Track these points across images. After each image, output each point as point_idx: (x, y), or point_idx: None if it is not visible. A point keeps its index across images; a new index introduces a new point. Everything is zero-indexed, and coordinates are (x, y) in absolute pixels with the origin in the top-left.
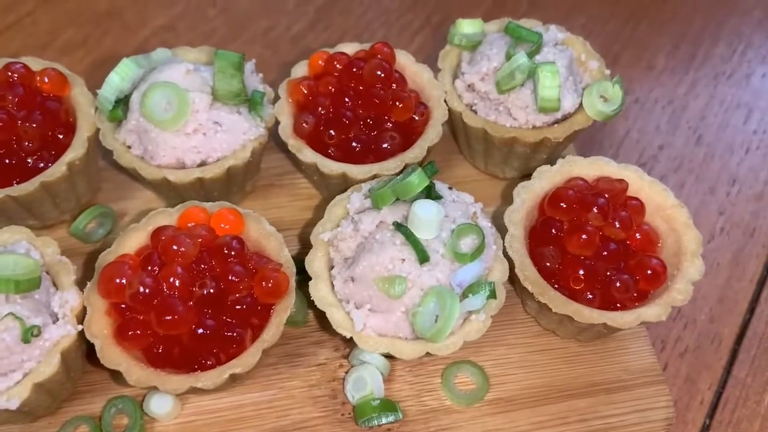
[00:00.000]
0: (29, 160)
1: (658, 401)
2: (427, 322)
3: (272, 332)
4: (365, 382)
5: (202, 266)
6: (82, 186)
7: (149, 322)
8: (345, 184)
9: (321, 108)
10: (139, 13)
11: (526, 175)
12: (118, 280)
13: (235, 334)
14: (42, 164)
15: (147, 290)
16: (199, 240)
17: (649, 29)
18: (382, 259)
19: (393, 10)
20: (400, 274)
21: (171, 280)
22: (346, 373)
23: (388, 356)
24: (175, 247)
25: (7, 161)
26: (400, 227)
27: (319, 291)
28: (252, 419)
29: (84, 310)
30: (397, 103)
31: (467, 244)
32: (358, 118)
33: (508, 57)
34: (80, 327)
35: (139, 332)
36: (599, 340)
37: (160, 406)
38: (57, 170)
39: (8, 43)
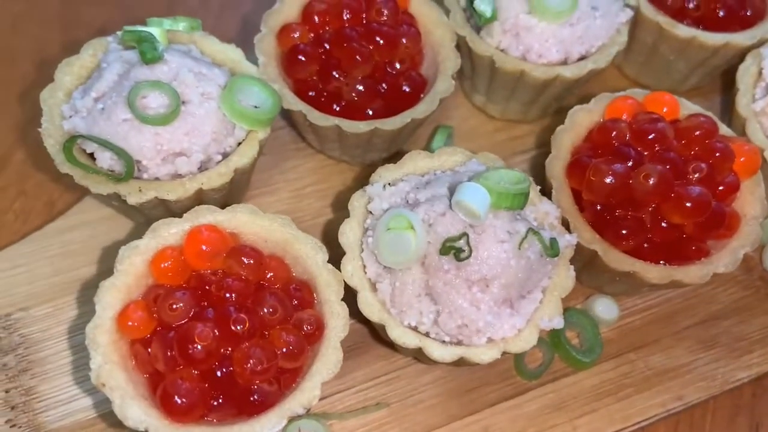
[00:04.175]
0: (402, 83)
1: None
2: None
3: (759, 208)
4: None
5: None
6: None
7: (641, 220)
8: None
9: None
10: None
11: None
12: (611, 180)
13: (731, 217)
14: (407, 87)
15: (659, 184)
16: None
17: None
18: None
19: None
20: None
21: (667, 168)
22: (761, 249)
23: None
24: (651, 135)
25: (385, 85)
26: None
27: None
28: (685, 311)
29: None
30: None
31: None
32: None
33: None
34: (576, 236)
35: (636, 230)
36: None
37: (606, 312)
38: (448, 85)
39: None
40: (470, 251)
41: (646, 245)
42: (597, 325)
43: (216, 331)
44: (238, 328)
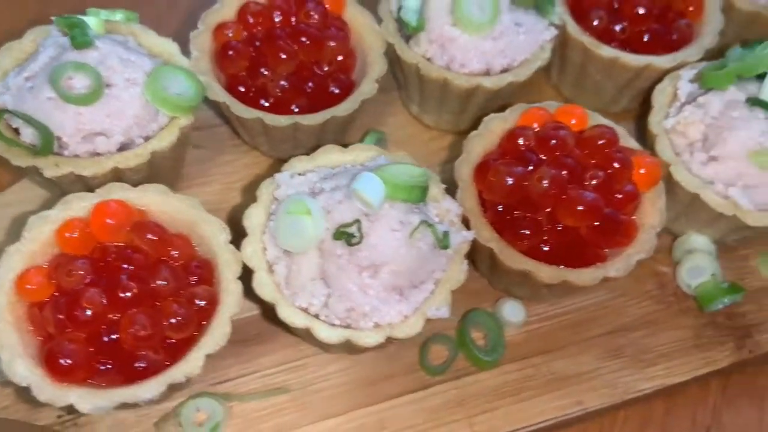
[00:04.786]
0: (329, 84)
1: None
2: None
3: (658, 219)
4: (702, 269)
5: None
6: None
7: (538, 222)
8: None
9: (601, 4)
10: None
11: None
12: (510, 180)
13: (626, 225)
14: (335, 88)
15: (552, 186)
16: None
17: None
18: (752, 134)
19: None
20: None
21: (563, 172)
22: (670, 266)
23: None
24: (553, 142)
25: (311, 84)
26: (759, 103)
27: (684, 175)
28: (595, 320)
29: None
30: None
31: None
32: (649, 11)
33: None
34: (473, 233)
35: (532, 231)
36: None
37: (513, 314)
38: (371, 88)
39: None
40: (361, 237)
41: (545, 248)
42: (502, 326)
43: (105, 297)
44: (127, 295)
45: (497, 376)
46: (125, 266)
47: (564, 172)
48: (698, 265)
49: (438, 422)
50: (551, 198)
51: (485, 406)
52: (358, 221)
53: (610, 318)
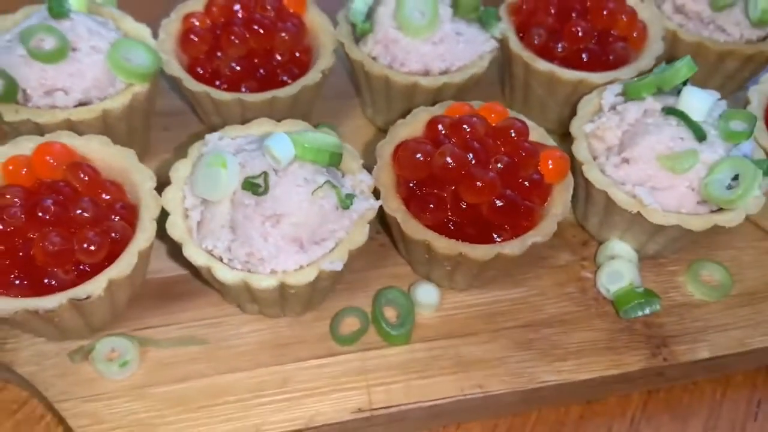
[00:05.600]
0: (279, 73)
1: None
2: (719, 190)
3: (561, 209)
4: (621, 274)
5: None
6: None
7: (443, 198)
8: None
9: (545, 24)
10: None
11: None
12: (419, 156)
13: (527, 208)
14: (286, 77)
15: (454, 162)
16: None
17: None
18: (662, 138)
19: None
20: (684, 150)
21: (468, 153)
22: (594, 272)
23: None
24: (465, 127)
25: (262, 71)
26: (672, 111)
27: (596, 174)
28: (510, 313)
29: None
30: (623, 17)
31: (737, 125)
32: (587, 32)
33: None
34: (380, 202)
35: (436, 206)
36: None
37: (426, 296)
38: (315, 76)
39: None
40: (266, 188)
41: (450, 226)
42: (413, 304)
43: (24, 215)
44: (45, 216)
45: (404, 353)
46: (53, 195)
47: (469, 154)
48: (617, 270)
49: (337, 387)
50: (453, 174)
51: (387, 379)
52: (265, 173)
53: (526, 313)
